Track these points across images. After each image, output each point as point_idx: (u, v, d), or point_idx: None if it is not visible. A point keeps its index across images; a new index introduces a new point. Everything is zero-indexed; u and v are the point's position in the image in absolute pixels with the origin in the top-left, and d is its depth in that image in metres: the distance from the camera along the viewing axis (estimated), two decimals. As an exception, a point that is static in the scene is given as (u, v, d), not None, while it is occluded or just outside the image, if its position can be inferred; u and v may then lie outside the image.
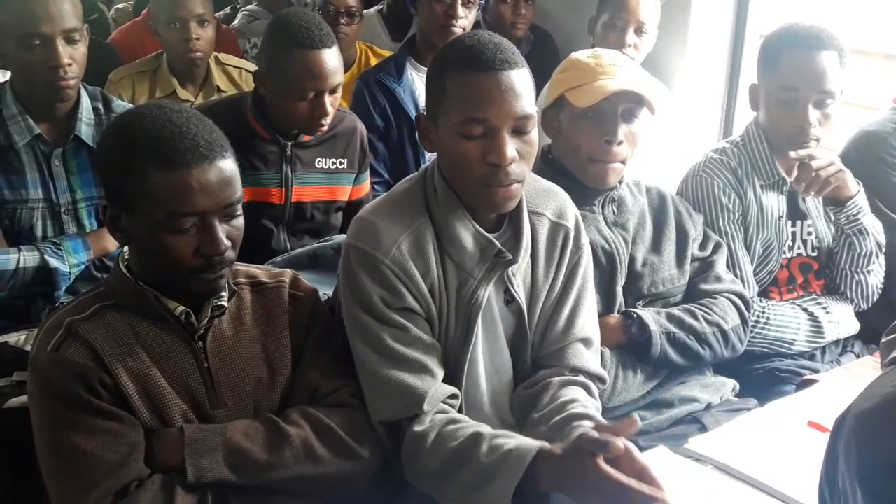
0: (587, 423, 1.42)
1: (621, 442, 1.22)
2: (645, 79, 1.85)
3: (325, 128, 2.18)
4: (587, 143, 1.79)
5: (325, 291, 1.83)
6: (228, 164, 1.34)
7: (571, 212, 1.64)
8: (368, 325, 1.48)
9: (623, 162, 1.81)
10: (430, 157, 2.75)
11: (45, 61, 1.92)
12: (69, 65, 1.94)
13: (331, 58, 2.10)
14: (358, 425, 1.45)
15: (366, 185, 2.45)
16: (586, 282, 1.64)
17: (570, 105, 1.80)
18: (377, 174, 2.69)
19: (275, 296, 1.51)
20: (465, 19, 2.70)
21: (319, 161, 2.30)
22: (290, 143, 2.23)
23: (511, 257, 1.52)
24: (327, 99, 2.12)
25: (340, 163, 2.34)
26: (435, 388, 1.47)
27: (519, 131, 1.43)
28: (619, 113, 1.77)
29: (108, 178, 1.37)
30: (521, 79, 1.44)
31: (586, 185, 1.83)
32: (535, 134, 1.46)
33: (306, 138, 2.26)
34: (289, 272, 1.58)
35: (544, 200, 1.61)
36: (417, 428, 1.44)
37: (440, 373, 1.50)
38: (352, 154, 2.36)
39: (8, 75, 2.13)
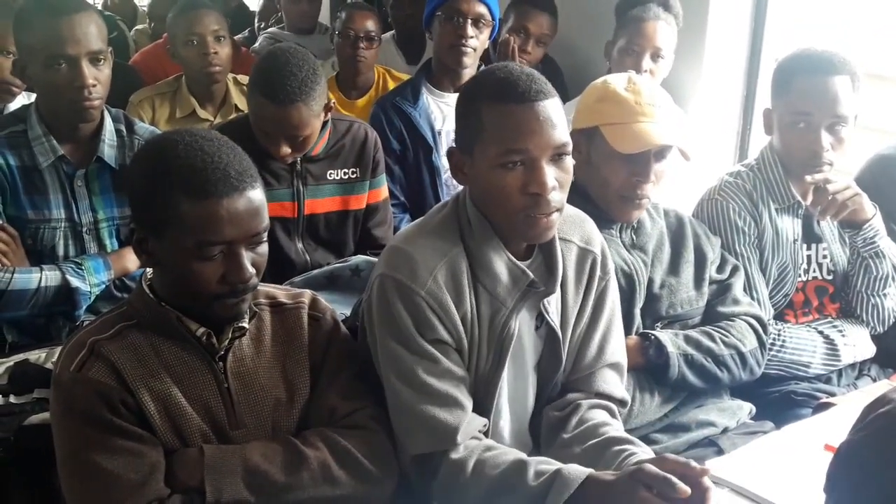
0: (633, 450, 1.44)
1: (688, 487, 1.22)
2: (678, 117, 1.85)
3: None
4: (618, 180, 1.80)
5: (343, 311, 1.85)
6: (257, 194, 1.35)
7: (597, 238, 1.66)
8: (401, 356, 1.48)
9: (649, 199, 1.83)
10: (445, 178, 2.77)
11: (70, 82, 1.94)
12: (94, 85, 1.96)
13: (292, 114, 2.10)
14: (375, 448, 1.46)
15: (382, 191, 2.47)
16: (615, 307, 1.66)
17: (603, 140, 1.79)
18: (394, 196, 2.71)
19: (294, 317, 1.52)
20: (475, 39, 2.72)
21: (331, 173, 2.34)
22: (299, 158, 2.27)
23: (544, 288, 1.53)
24: (283, 147, 2.15)
25: (353, 172, 2.37)
26: (467, 420, 1.47)
27: (556, 160, 1.45)
28: (653, 154, 1.78)
29: (136, 202, 1.39)
30: (555, 108, 1.45)
31: (608, 213, 1.84)
32: (570, 161, 1.48)
33: (314, 152, 2.30)
34: (308, 293, 1.59)
35: (571, 227, 1.62)
36: (454, 456, 1.45)
37: (470, 404, 1.50)
38: (364, 162, 2.39)
39: (33, 97, 2.17)
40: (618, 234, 1.87)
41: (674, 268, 1.91)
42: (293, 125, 2.12)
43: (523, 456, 1.43)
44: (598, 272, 1.63)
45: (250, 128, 2.24)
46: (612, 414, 1.59)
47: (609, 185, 1.81)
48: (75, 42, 1.93)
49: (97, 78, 1.97)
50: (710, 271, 1.96)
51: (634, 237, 1.88)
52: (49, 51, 1.93)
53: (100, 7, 5.03)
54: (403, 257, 1.50)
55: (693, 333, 1.87)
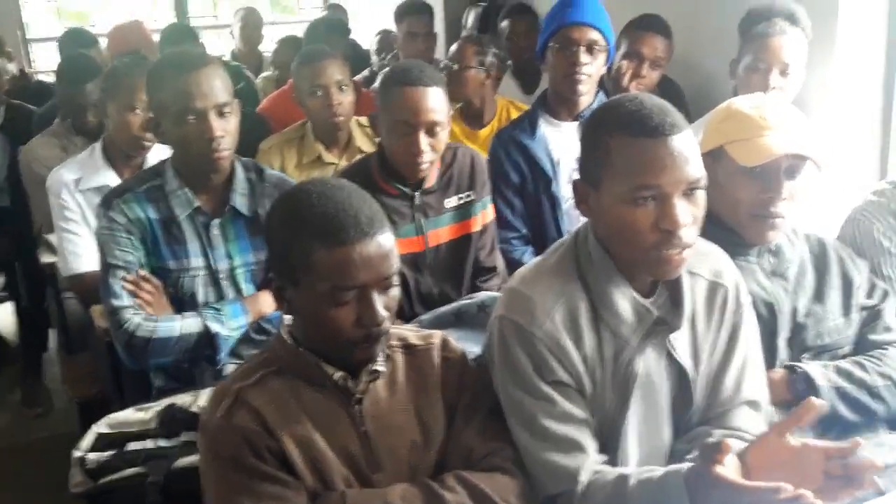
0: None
1: (732, 441, 1.28)
2: (809, 131, 1.78)
3: (424, 167, 2.26)
4: (748, 199, 1.73)
5: (472, 349, 1.84)
6: (387, 239, 1.37)
7: (729, 270, 1.60)
8: (521, 401, 1.47)
9: (784, 218, 1.74)
10: (566, 208, 2.74)
11: (199, 135, 2.01)
12: (222, 137, 2.03)
13: (427, 96, 2.19)
14: (513, 492, 1.44)
15: (490, 212, 2.49)
16: (752, 342, 1.59)
17: (729, 159, 1.74)
18: (515, 229, 2.71)
19: (426, 358, 1.53)
20: (589, 66, 2.68)
21: (447, 201, 2.38)
22: (417, 193, 2.31)
23: (670, 325, 1.49)
24: (422, 138, 2.19)
25: (468, 195, 2.41)
26: (588, 462, 1.46)
27: (689, 194, 1.39)
28: (783, 170, 1.70)
29: (275, 252, 1.43)
30: (688, 141, 1.40)
31: (742, 237, 1.77)
32: (703, 195, 1.42)
33: (429, 184, 2.34)
34: (438, 333, 1.60)
35: (700, 260, 1.56)
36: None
37: (592, 446, 1.48)
38: (476, 182, 2.43)
39: (168, 152, 2.27)
40: (756, 261, 1.79)
41: (819, 295, 1.82)
42: (431, 108, 2.19)
43: (624, 470, 1.43)
44: (731, 306, 1.57)
45: (371, 169, 2.32)
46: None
47: (740, 204, 1.74)
48: (202, 96, 2.00)
49: (225, 129, 2.04)
50: (859, 297, 1.85)
51: (774, 263, 1.80)
52: (178, 106, 2.00)
53: (228, 57, 5.27)
54: (520, 299, 1.49)
55: (844, 364, 1.77)
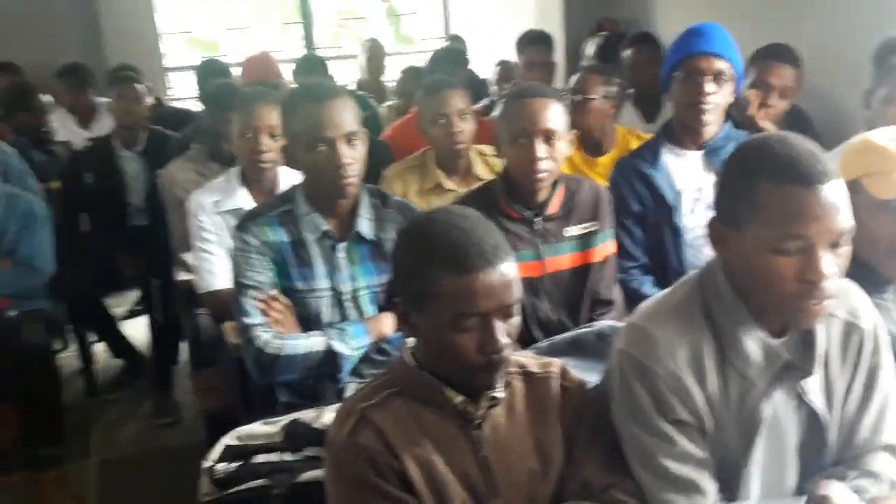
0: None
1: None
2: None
3: (541, 177, 2.29)
4: (886, 234, 1.69)
5: (589, 379, 1.83)
6: (510, 268, 1.39)
7: (867, 310, 1.54)
8: (639, 437, 1.46)
9: None
10: (688, 239, 2.69)
11: (329, 162, 2.10)
12: (350, 164, 2.11)
13: (544, 105, 2.26)
14: None
15: (612, 244, 2.49)
16: (890, 384, 1.53)
17: (866, 192, 1.70)
18: (634, 259, 2.68)
19: (545, 386, 1.54)
20: (715, 95, 2.63)
21: (567, 230, 2.39)
22: (539, 219, 2.34)
23: (801, 369, 1.45)
24: (538, 145, 2.24)
25: (592, 226, 2.42)
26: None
27: (836, 246, 1.35)
28: None
29: (401, 278, 1.47)
30: (839, 190, 1.35)
31: (879, 273, 1.72)
32: (849, 246, 1.38)
33: (551, 211, 2.36)
34: (557, 362, 1.60)
35: (836, 299, 1.50)
36: None
37: (712, 487, 1.45)
38: (600, 214, 2.44)
39: (296, 176, 2.37)
40: (894, 299, 1.73)
41: (966, 337, 1.73)
42: (548, 117, 2.26)
43: None
44: (868, 347, 1.51)
45: (495, 192, 2.38)
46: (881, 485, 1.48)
47: (877, 240, 1.70)
48: (333, 126, 2.09)
49: (353, 157, 2.12)
50: None
51: (913, 302, 1.73)
52: (309, 134, 2.10)
53: (355, 87, 5.46)
54: (643, 335, 1.47)
55: None
